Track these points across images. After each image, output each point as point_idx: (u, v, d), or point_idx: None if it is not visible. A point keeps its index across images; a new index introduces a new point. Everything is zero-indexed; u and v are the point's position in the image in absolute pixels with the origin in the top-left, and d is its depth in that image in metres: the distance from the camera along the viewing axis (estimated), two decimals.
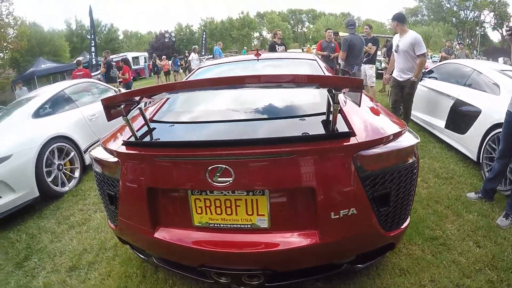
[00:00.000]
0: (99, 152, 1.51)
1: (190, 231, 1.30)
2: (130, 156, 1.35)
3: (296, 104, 1.60)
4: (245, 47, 25.35)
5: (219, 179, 1.16)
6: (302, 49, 21.00)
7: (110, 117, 1.28)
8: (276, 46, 6.22)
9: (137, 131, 1.41)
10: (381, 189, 1.21)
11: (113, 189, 1.41)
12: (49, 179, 2.92)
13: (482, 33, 38.35)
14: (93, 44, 10.53)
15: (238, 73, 2.19)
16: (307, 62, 2.35)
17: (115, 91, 4.68)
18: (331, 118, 1.18)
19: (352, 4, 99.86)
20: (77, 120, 3.59)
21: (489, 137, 2.82)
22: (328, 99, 1.23)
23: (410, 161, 1.29)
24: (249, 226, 1.26)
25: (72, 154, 3.28)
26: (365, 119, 1.39)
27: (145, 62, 21.40)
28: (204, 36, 21.09)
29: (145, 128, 1.48)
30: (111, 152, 1.42)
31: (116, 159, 1.38)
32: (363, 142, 1.17)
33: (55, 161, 3.07)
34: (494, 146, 2.78)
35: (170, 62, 14.47)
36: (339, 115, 1.28)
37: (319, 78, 1.28)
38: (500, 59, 12.10)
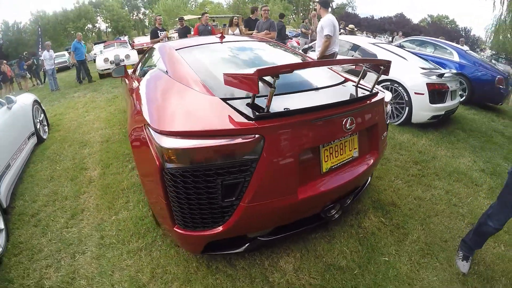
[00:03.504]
0: (204, 141, 1.21)
1: (319, 179, 1.50)
2: (283, 126, 1.29)
3: (330, 76, 2.03)
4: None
5: (348, 127, 1.51)
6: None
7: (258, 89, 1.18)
8: (158, 32, 6.29)
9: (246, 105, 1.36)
10: (387, 119, 1.99)
11: (240, 175, 1.25)
12: None
13: (315, 8, 48.43)
14: None
15: (236, 55, 2.24)
16: (278, 44, 2.76)
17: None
18: (366, 84, 1.87)
19: None
20: None
21: None
22: (362, 73, 1.85)
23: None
24: (350, 158, 1.65)
25: None
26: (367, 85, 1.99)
27: None
28: (39, 32, 16.87)
29: (247, 101, 1.40)
30: (243, 131, 1.23)
31: (253, 136, 1.23)
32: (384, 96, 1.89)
33: None
34: None
35: (12, 67, 11.01)
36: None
37: (383, 62, 1.74)
38: None
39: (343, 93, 1.72)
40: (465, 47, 9.15)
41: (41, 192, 2.91)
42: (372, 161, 1.77)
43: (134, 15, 54.17)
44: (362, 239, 1.92)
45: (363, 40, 5.05)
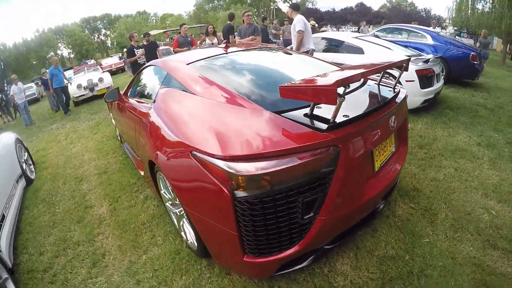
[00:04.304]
0: (284, 161, 1.17)
1: (374, 178, 1.59)
2: (353, 133, 1.34)
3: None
4: (45, 70, 20.59)
5: (393, 125, 1.64)
6: (120, 57, 20.43)
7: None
8: (135, 50, 6.27)
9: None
10: None
11: (319, 189, 1.26)
12: None
13: (276, 7, 49.37)
14: None
15: (259, 62, 2.30)
16: (281, 49, 2.87)
17: None
18: (390, 83, 1.98)
19: (146, 2, 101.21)
20: None
21: None
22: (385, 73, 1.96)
23: None
24: (391, 153, 1.78)
25: None
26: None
27: None
28: (2, 66, 16.05)
29: (300, 112, 1.43)
30: (321, 144, 1.23)
31: (330, 148, 1.25)
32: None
33: None
34: None
35: None
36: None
37: (404, 61, 1.81)
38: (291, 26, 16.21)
39: (377, 93, 1.80)
40: (437, 29, 9.80)
41: (46, 241, 2.66)
42: (405, 153, 1.92)
43: (96, 37, 54.38)
44: (401, 227, 2.06)
45: (347, 35, 5.30)
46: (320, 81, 1.26)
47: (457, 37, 16.09)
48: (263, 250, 1.31)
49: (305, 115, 1.40)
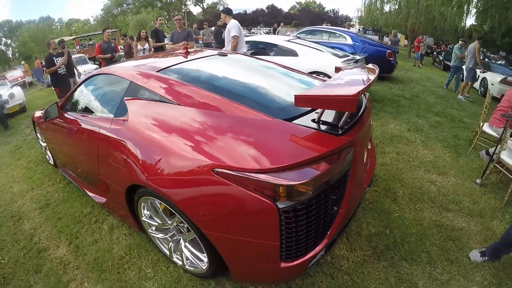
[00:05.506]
0: (319, 165, 1.32)
1: (365, 168, 1.89)
2: (360, 134, 1.60)
3: (313, 81, 2.43)
4: None
5: (371, 121, 1.93)
6: (23, 70, 18.27)
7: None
8: (54, 58, 5.84)
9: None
10: None
11: (342, 187, 1.50)
12: None
13: (187, 11, 49.43)
14: None
15: (230, 69, 2.39)
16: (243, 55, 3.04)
17: None
18: None
19: (51, 7, 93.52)
20: None
21: None
22: None
23: None
24: (369, 148, 2.12)
25: None
26: None
27: None
28: None
29: (307, 118, 1.61)
30: (342, 146, 1.42)
31: (350, 149, 1.48)
32: None
33: None
34: None
35: None
36: None
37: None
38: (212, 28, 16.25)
39: None
40: (353, 30, 11.40)
41: None
42: (372, 143, 2.34)
43: None
44: (373, 208, 2.54)
45: (279, 39, 5.83)
46: (339, 91, 1.47)
47: (364, 34, 18.97)
48: (300, 252, 1.41)
49: (313, 120, 1.55)
